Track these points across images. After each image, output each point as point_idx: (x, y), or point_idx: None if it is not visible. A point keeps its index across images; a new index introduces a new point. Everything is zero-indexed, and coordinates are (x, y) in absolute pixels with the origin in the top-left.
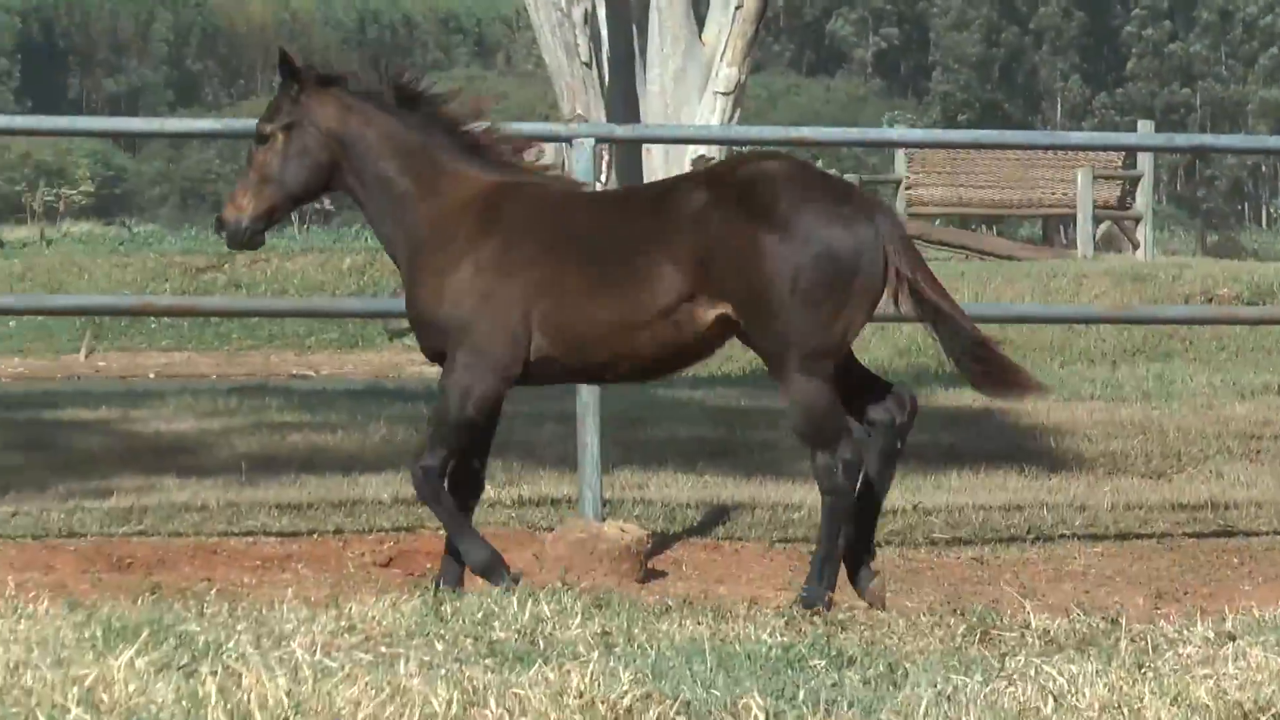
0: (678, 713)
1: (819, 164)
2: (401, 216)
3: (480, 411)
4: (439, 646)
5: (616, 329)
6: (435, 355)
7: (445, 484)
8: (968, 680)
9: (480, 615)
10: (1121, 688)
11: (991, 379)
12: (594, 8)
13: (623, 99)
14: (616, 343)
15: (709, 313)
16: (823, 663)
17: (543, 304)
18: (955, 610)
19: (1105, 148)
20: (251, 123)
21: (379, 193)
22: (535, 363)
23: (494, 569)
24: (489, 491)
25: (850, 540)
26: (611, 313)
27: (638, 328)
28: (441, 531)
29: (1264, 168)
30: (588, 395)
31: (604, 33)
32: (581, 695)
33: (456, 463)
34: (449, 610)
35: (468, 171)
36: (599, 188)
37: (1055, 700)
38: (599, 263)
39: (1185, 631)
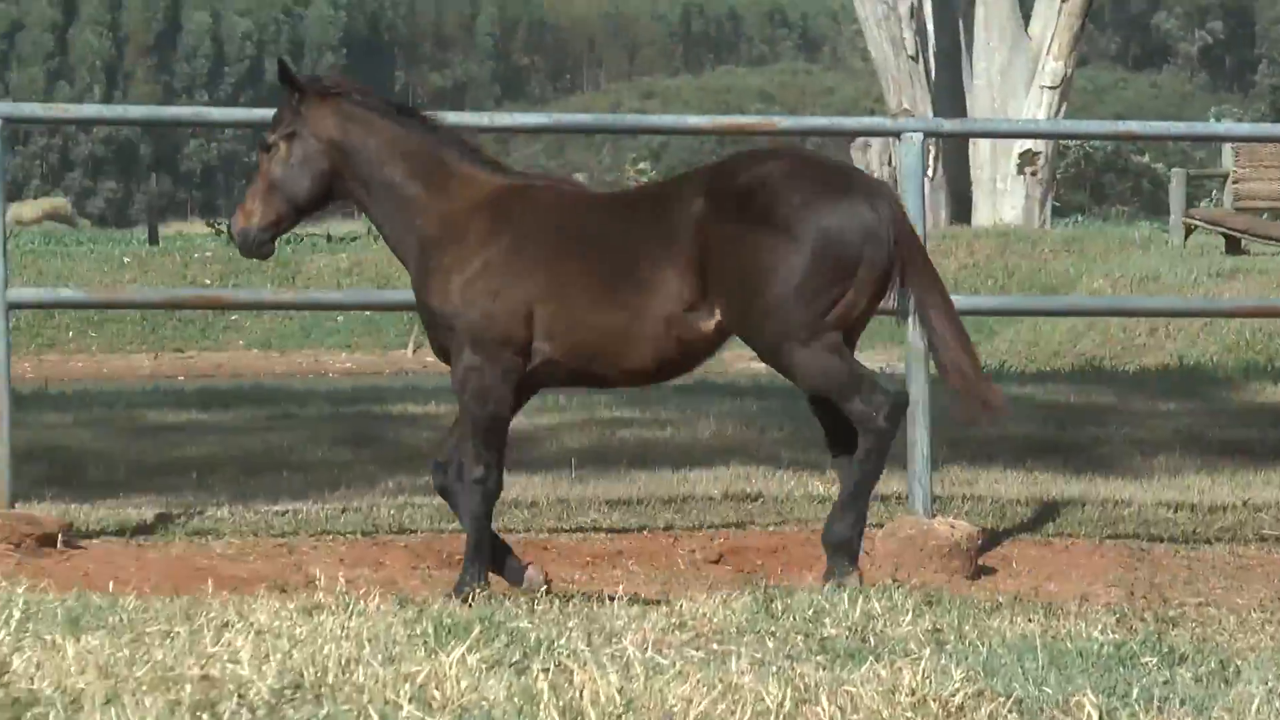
0: (1009, 710)
1: (1145, 158)
2: (411, 219)
3: (502, 407)
4: (770, 643)
5: (617, 334)
6: (444, 354)
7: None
8: None
9: (811, 612)
10: None
11: (963, 385)
12: (920, 1)
13: (948, 93)
14: (617, 347)
15: (711, 319)
16: (1154, 660)
17: (546, 307)
18: None
19: None
20: (571, 117)
21: (386, 198)
22: (538, 365)
23: (467, 594)
24: (819, 488)
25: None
26: (612, 317)
27: (638, 333)
28: (771, 527)
29: None
30: (918, 392)
31: (930, 26)
32: (913, 693)
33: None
34: (780, 607)
35: (477, 173)
36: (925, 182)
37: None
38: (601, 266)
39: None
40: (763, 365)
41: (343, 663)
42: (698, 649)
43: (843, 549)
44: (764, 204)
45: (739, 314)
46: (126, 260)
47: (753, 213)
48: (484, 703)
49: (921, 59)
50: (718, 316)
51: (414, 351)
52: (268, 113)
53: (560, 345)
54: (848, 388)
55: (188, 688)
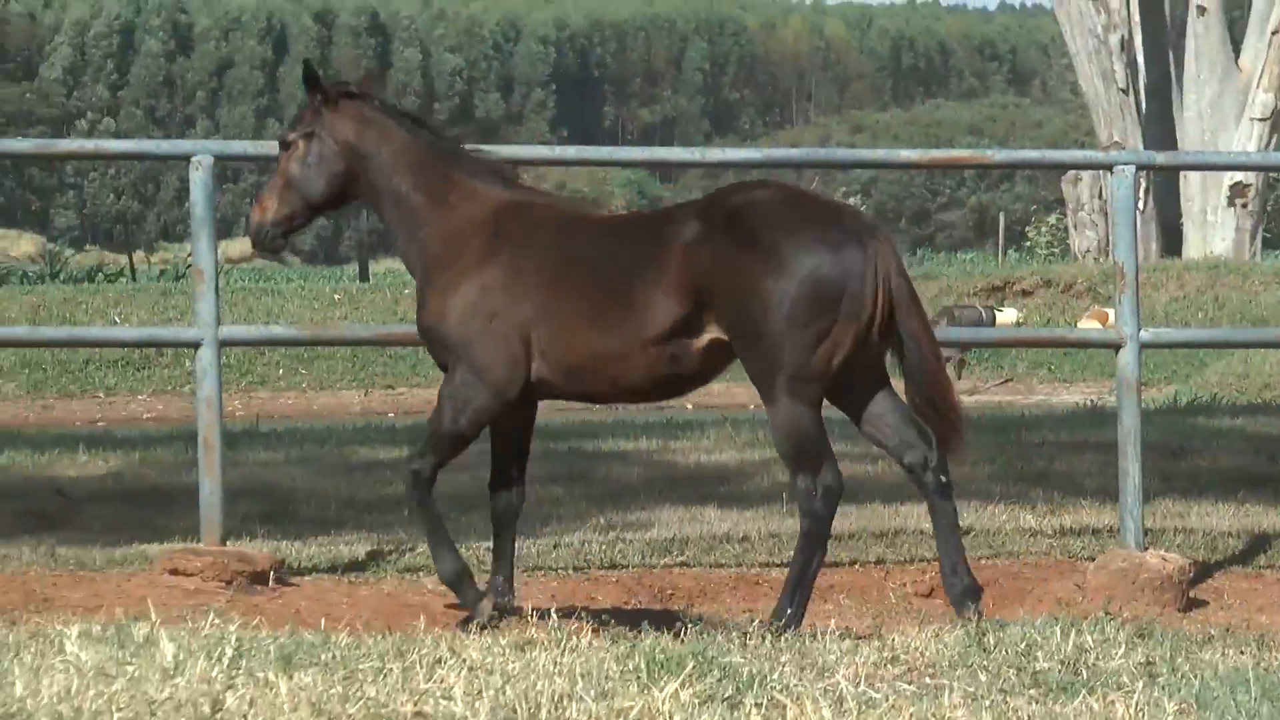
0: None
1: None
2: (415, 231)
3: (473, 425)
4: (982, 677)
5: (611, 354)
6: (443, 366)
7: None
8: None
9: (1024, 645)
10: None
11: (933, 420)
12: (1130, 34)
13: (1158, 125)
14: (611, 367)
15: (700, 340)
16: None
17: (541, 326)
18: None
19: None
20: (782, 152)
21: (394, 206)
22: (535, 384)
23: (461, 582)
24: (1030, 520)
25: (948, 564)
26: (605, 338)
27: (631, 354)
28: (983, 560)
29: None
30: (1129, 423)
31: (1140, 59)
32: None
33: (494, 471)
34: (992, 640)
35: (480, 189)
36: (1138, 215)
37: None
38: (595, 287)
39: None
40: (972, 399)
41: (555, 698)
42: (910, 683)
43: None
44: (751, 227)
45: (734, 336)
46: (336, 297)
47: (739, 235)
48: None
49: (1132, 91)
50: (710, 335)
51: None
52: (478, 149)
53: (555, 364)
54: (804, 457)
55: None
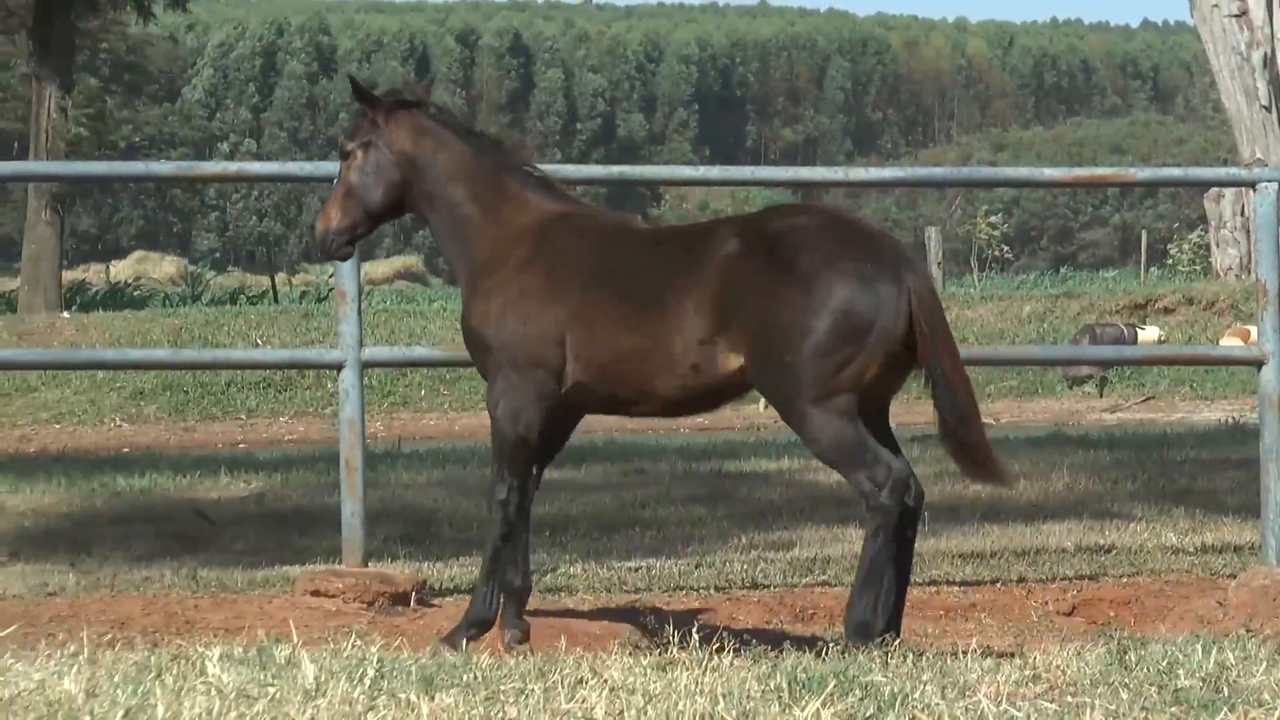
0: None
1: None
2: (466, 242)
3: (530, 428)
4: (1124, 695)
5: (639, 365)
6: (484, 373)
7: (519, 506)
8: None
9: (1165, 663)
10: None
11: (963, 459)
12: (1274, 52)
13: None
14: (639, 378)
15: (729, 359)
16: None
17: (576, 333)
18: None
19: None
20: (924, 171)
21: (446, 216)
22: (569, 390)
23: (477, 629)
24: (1172, 538)
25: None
26: (634, 347)
27: (658, 365)
28: (1124, 578)
29: None
30: (1271, 440)
31: None
32: None
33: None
34: (1133, 658)
35: (531, 200)
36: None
37: None
38: (629, 298)
39: None
40: (1114, 417)
41: (697, 718)
42: (1051, 701)
43: (861, 633)
44: (788, 253)
45: (754, 358)
46: None
47: (776, 259)
48: None
49: (1275, 108)
50: (736, 353)
51: (765, 407)
52: (621, 169)
53: (588, 371)
54: (854, 459)
55: None
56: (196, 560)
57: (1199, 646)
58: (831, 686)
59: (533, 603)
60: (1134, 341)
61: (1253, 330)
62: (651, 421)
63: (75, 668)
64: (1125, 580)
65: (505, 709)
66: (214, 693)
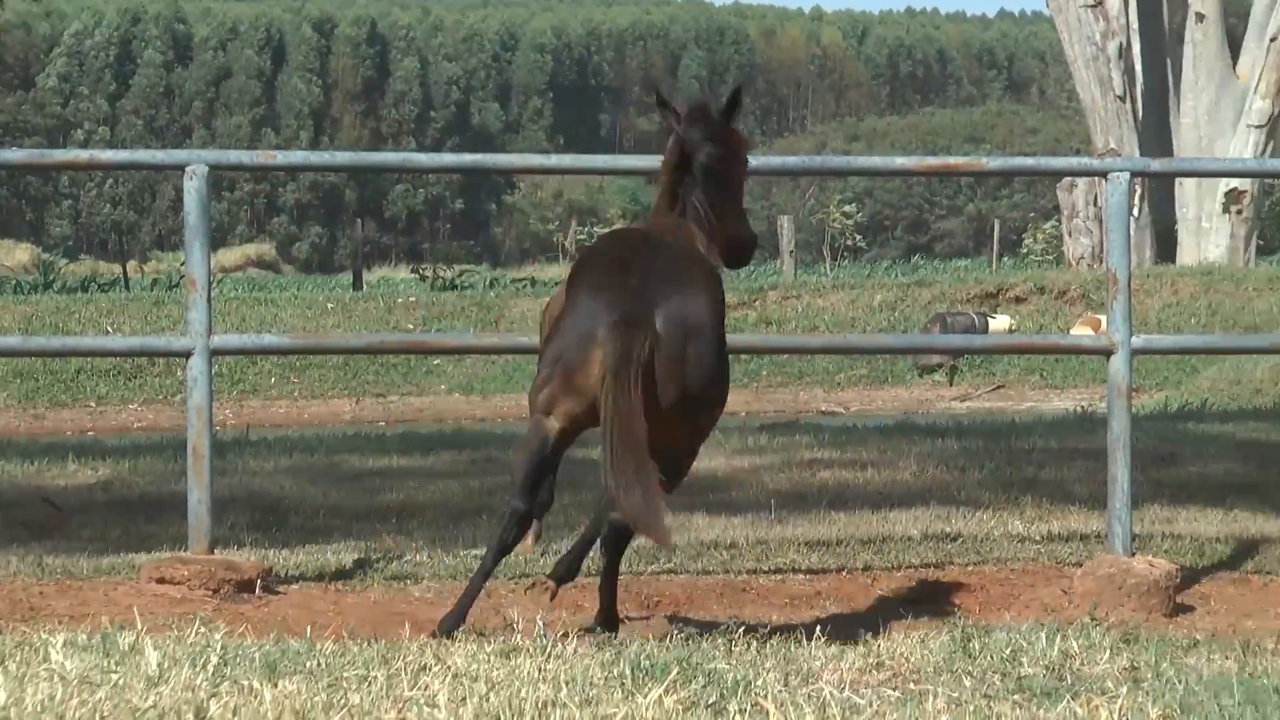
0: None
1: None
2: None
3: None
4: (967, 683)
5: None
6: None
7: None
8: None
9: (1008, 651)
10: None
11: (624, 504)
12: (1128, 42)
13: (1154, 132)
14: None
15: None
16: None
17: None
18: None
19: None
20: (778, 160)
21: None
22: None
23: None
24: (1018, 526)
25: None
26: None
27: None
28: (970, 567)
29: None
30: (1119, 429)
31: (1138, 67)
32: None
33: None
34: (977, 646)
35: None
36: (1131, 222)
37: None
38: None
39: None
40: (964, 405)
41: (540, 705)
42: (894, 689)
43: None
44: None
45: None
46: (330, 306)
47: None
48: None
49: (1129, 99)
50: None
51: None
52: (475, 158)
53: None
54: (513, 477)
55: None
56: (43, 547)
57: (1043, 634)
58: (674, 674)
59: (378, 592)
60: (985, 330)
61: (1103, 320)
62: (501, 408)
63: None
64: (971, 568)
65: (348, 695)
66: (56, 679)
